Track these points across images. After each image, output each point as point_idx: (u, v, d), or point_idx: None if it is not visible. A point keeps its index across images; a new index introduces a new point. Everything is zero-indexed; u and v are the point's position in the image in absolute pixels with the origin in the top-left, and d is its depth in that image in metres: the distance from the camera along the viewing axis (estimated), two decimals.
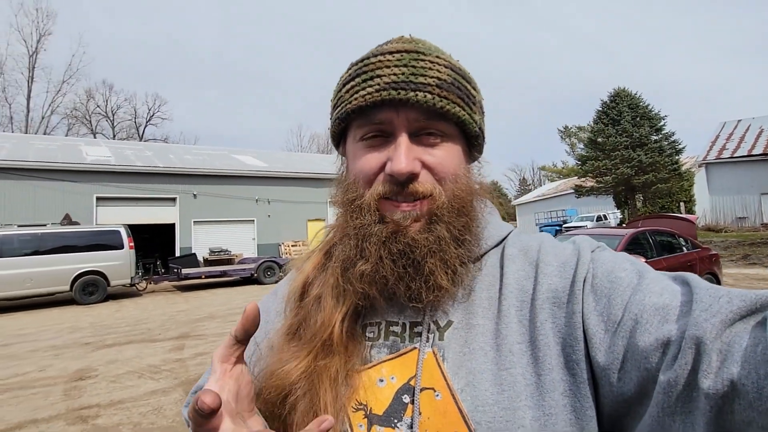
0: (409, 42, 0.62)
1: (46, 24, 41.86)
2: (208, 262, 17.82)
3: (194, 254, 17.69)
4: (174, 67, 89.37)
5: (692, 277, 0.50)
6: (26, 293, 11.83)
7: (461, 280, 0.59)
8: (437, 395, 0.54)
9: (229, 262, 17.96)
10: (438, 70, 0.58)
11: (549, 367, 0.52)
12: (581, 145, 38.29)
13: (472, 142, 0.65)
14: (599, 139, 27.10)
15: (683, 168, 25.71)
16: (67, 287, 12.23)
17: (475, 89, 0.64)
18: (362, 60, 0.61)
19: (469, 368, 0.54)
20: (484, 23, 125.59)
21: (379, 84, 0.57)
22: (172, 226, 18.74)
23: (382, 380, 0.58)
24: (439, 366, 0.56)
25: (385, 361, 0.59)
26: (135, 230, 14.21)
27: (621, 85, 28.68)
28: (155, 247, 19.33)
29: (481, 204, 0.65)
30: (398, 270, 0.57)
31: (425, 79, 0.57)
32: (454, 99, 0.59)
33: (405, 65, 0.58)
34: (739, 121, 29.21)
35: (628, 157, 25.17)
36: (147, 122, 49.21)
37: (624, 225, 18.15)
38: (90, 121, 45.90)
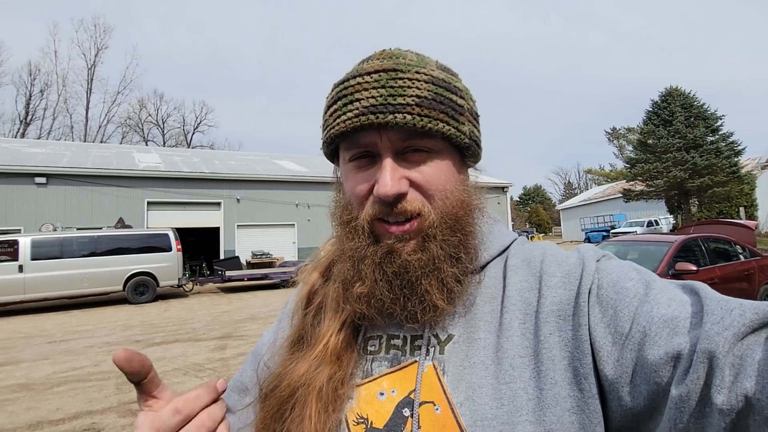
0: (389, 58, 0.61)
1: (103, 38, 44.81)
2: (250, 265, 18.31)
3: (237, 257, 18.24)
4: (220, 75, 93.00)
5: (701, 286, 0.50)
6: (84, 292, 12.55)
7: (458, 297, 0.59)
8: (437, 409, 0.54)
9: (270, 265, 18.37)
10: (418, 88, 0.57)
11: (552, 381, 0.51)
12: (630, 147, 36.90)
13: (464, 153, 0.64)
14: (649, 141, 25.96)
15: (743, 170, 24.14)
16: (120, 287, 12.87)
17: (462, 98, 0.62)
18: (342, 82, 0.61)
19: (469, 382, 0.54)
20: (526, 22, 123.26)
21: (358, 108, 0.57)
22: (217, 229, 19.36)
23: (382, 393, 0.58)
24: (440, 380, 0.56)
25: (385, 374, 0.59)
26: (182, 233, 14.79)
27: (673, 83, 27.37)
28: (201, 249, 20.05)
29: (479, 215, 0.64)
30: (394, 291, 0.57)
31: (404, 99, 0.56)
32: (436, 115, 0.57)
33: (383, 86, 0.57)
34: None
35: (681, 160, 23.96)
36: (194, 129, 51.53)
37: (676, 231, 17.23)
38: (142, 129, 48.55)
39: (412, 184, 0.58)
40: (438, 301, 0.56)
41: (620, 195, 30.11)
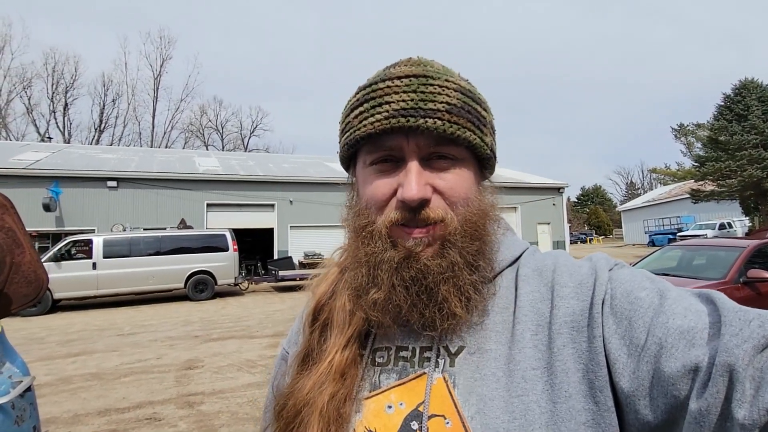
0: (417, 65, 0.60)
1: (167, 49, 47.78)
2: (302, 265, 18.75)
3: (290, 257, 18.76)
4: (275, 81, 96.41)
5: (718, 296, 0.48)
6: (149, 289, 13.43)
7: (475, 306, 0.57)
8: (447, 423, 0.53)
9: None
10: (447, 95, 0.57)
11: (566, 394, 0.49)
12: (699, 145, 34.57)
13: (483, 164, 0.65)
14: (721, 138, 24.11)
15: None
16: (182, 285, 13.65)
17: (485, 110, 0.63)
18: (370, 85, 0.60)
19: (480, 395, 0.53)
20: (588, 17, 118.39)
21: (388, 111, 0.56)
22: (271, 230, 19.99)
23: (390, 406, 0.57)
24: (450, 393, 0.54)
25: (393, 387, 0.58)
26: (238, 234, 15.44)
27: (748, 75, 25.25)
28: (256, 250, 20.80)
29: (494, 226, 0.64)
30: (411, 297, 0.56)
31: (435, 105, 0.56)
32: (464, 123, 0.58)
33: (414, 91, 0.57)
34: None
35: (757, 157, 22.08)
36: (251, 134, 53.80)
37: (750, 235, 15.84)
38: (203, 134, 51.27)
39: (436, 190, 0.57)
40: (456, 309, 0.55)
41: (688, 196, 28.26)
